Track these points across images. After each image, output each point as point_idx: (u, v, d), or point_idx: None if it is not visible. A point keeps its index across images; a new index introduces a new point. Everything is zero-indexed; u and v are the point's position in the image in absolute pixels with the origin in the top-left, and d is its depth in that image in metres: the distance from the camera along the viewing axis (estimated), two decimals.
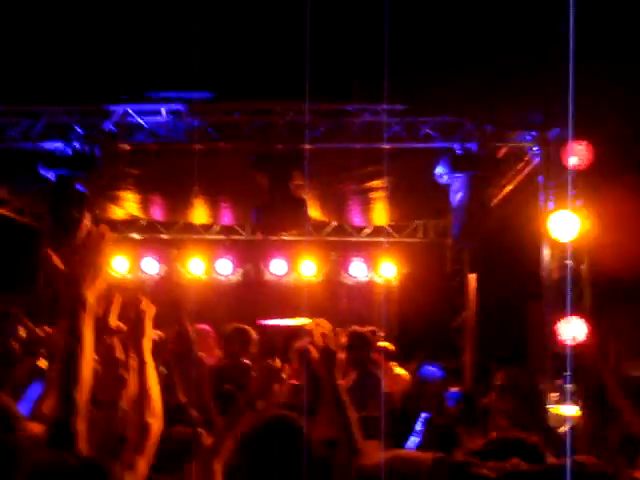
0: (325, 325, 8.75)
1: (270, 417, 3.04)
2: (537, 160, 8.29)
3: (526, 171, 8.88)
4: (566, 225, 7.70)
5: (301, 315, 10.24)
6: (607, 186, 7.71)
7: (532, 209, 8.35)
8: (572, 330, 7.68)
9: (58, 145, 8.51)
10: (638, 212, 8.06)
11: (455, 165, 8.07)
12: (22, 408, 3.10)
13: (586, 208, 7.67)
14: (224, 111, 8.28)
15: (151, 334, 2.99)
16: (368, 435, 3.26)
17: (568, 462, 1.98)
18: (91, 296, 2.71)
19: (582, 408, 6.93)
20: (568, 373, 7.75)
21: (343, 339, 6.83)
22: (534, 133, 8.04)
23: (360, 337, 6.77)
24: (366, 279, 13.32)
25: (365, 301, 12.50)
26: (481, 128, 7.91)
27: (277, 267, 13.25)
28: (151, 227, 13.23)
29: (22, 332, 9.42)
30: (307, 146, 7.96)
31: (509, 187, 9.62)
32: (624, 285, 9.78)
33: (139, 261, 13.32)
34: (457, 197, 8.19)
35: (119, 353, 3.17)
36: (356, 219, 12.82)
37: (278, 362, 3.30)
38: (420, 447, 4.70)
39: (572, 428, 5.10)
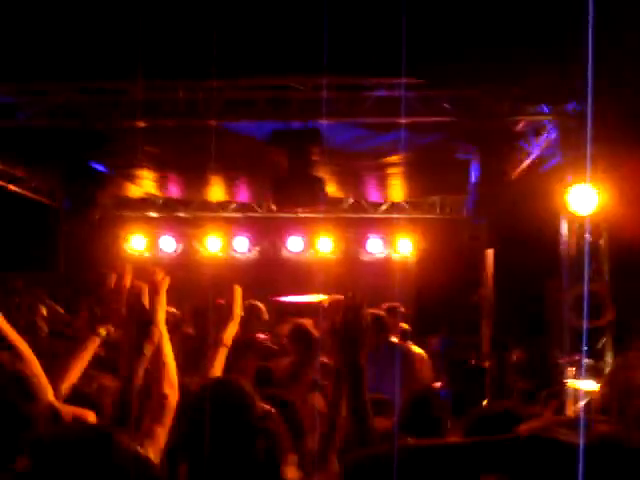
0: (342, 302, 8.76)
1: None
2: (555, 134, 8.22)
3: (544, 145, 8.81)
4: (585, 199, 7.65)
5: (318, 292, 10.28)
6: (626, 159, 7.64)
7: (550, 184, 8.29)
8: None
9: (74, 123, 8.51)
10: None
11: (472, 139, 8.03)
12: None
13: (604, 182, 7.61)
14: (241, 87, 8.24)
15: (165, 306, 3.02)
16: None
17: (582, 439, 1.95)
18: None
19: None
20: (585, 348, 7.76)
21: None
22: (552, 106, 7.97)
23: (376, 320, 6.77)
24: (383, 256, 13.33)
25: (382, 278, 12.50)
26: (498, 102, 7.84)
27: (294, 244, 13.28)
28: (168, 205, 13.26)
29: (44, 311, 9.54)
30: (324, 121, 7.93)
31: (526, 162, 9.55)
32: None
33: (156, 239, 13.39)
34: (474, 172, 8.16)
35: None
36: (373, 195, 12.80)
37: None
38: None
39: (589, 403, 5.08)
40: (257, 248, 13.46)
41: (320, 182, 8.54)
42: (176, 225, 13.43)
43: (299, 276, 12.56)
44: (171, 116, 8.31)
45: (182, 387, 3.04)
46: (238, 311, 3.81)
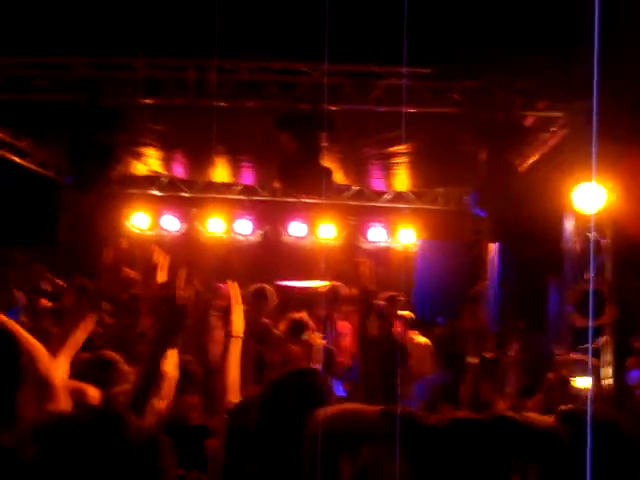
0: (343, 289, 8.80)
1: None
2: (563, 131, 8.19)
3: (552, 141, 8.78)
4: (591, 197, 7.62)
5: (318, 278, 10.29)
6: (632, 157, 7.61)
7: (556, 181, 8.26)
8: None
9: (82, 98, 8.48)
10: None
11: (481, 132, 7.99)
12: None
13: (611, 180, 7.58)
14: (249, 69, 8.21)
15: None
16: None
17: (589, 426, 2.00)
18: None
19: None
20: (585, 345, 7.75)
21: None
22: (561, 103, 7.93)
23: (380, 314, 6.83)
24: (385, 244, 13.32)
25: (383, 267, 12.50)
26: (508, 95, 7.80)
27: (296, 229, 13.27)
28: (172, 184, 13.24)
29: (45, 286, 9.55)
30: (332, 107, 7.89)
31: (534, 157, 9.52)
32: None
33: (159, 218, 13.37)
34: (481, 165, 8.12)
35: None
36: (377, 184, 12.77)
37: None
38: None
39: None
40: (259, 231, 13.45)
41: (327, 172, 8.51)
42: (179, 204, 13.40)
43: (300, 261, 12.56)
44: (179, 95, 8.28)
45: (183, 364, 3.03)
46: (239, 301, 3.79)
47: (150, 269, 2.99)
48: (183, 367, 3.02)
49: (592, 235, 7.90)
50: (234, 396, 3.45)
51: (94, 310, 3.31)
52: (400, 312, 8.10)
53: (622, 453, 2.35)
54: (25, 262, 10.59)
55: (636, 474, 2.37)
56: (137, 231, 13.22)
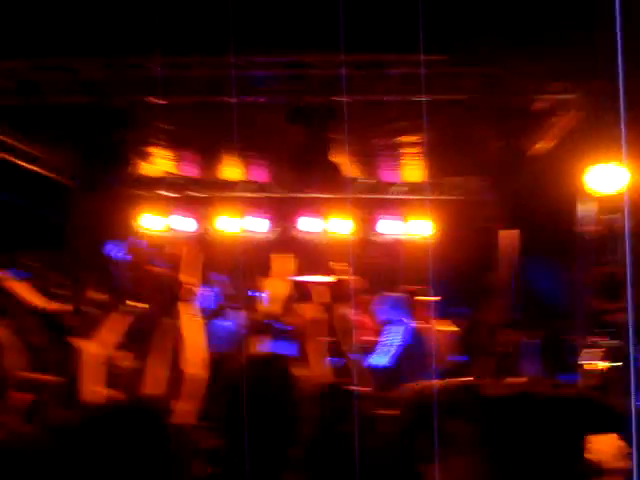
0: (353, 282, 8.79)
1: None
2: (579, 113, 8.15)
3: (566, 124, 8.73)
4: (608, 179, 7.59)
5: (330, 273, 10.25)
6: None
7: (571, 164, 8.23)
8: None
9: (92, 99, 8.49)
10: None
11: (495, 117, 7.97)
12: None
13: (628, 161, 7.54)
14: (261, 64, 8.19)
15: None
16: None
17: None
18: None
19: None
20: (602, 330, 7.74)
21: None
22: (575, 85, 7.89)
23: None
24: (399, 237, 13.29)
25: (398, 259, 12.46)
26: (523, 79, 7.76)
27: (309, 224, 13.24)
28: (183, 184, 13.23)
29: (56, 290, 9.53)
30: (344, 99, 7.88)
31: (548, 141, 9.46)
32: None
33: (170, 218, 13.36)
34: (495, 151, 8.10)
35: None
36: (390, 176, 12.73)
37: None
38: None
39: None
40: (272, 228, 13.44)
41: (337, 167, 8.49)
42: (191, 204, 13.40)
43: (314, 256, 12.53)
44: (190, 93, 8.28)
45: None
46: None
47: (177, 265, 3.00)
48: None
49: (613, 217, 7.86)
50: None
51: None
52: (422, 298, 8.10)
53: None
54: (35, 267, 10.59)
55: None
56: (150, 232, 13.21)
